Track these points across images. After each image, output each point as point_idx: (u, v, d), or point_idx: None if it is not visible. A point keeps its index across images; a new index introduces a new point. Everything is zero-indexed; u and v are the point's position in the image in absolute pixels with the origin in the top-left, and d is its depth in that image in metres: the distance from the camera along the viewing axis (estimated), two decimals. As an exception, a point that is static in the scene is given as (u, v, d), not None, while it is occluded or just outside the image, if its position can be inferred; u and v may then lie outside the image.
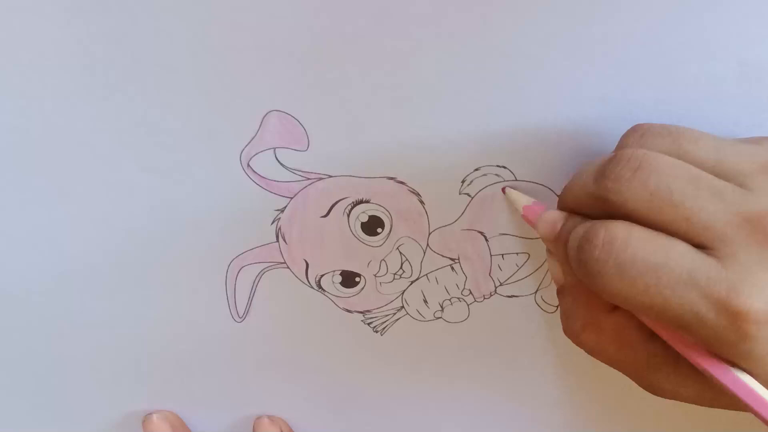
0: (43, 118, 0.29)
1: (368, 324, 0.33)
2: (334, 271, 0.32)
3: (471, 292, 0.32)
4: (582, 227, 0.25)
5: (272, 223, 0.31)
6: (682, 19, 0.27)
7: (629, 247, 0.23)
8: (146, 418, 0.34)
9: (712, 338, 0.23)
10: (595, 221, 0.25)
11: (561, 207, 0.27)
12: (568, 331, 0.28)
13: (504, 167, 0.30)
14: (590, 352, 0.27)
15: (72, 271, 0.32)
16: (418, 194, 0.30)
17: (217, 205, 0.31)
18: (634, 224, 0.24)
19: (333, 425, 0.35)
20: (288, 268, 0.32)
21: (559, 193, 0.30)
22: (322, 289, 0.32)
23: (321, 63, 0.28)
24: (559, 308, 0.28)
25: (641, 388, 0.27)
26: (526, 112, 0.29)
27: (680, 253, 0.23)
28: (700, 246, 0.23)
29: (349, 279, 0.32)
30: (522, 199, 0.29)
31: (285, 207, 0.31)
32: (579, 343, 0.27)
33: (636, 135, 0.26)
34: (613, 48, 0.28)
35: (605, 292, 0.24)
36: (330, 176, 0.30)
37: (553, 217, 0.27)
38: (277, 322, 0.33)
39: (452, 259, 0.32)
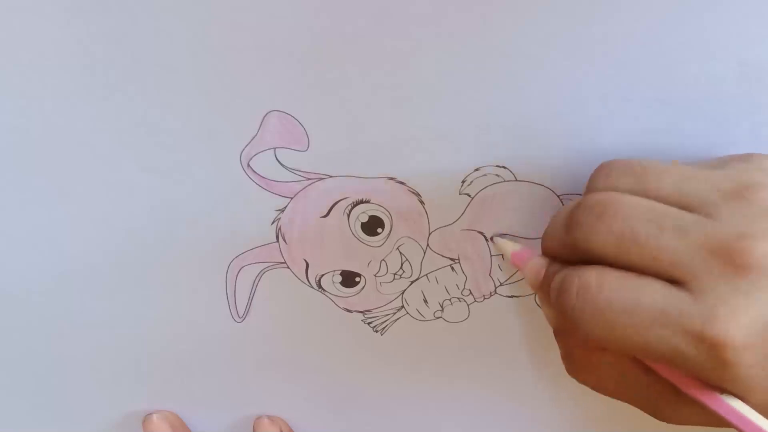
0: (43, 118, 0.29)
1: (368, 324, 0.33)
2: (334, 271, 0.32)
3: (471, 292, 0.32)
4: (560, 275, 0.25)
5: (272, 223, 0.31)
6: (682, 19, 0.27)
7: (602, 291, 0.24)
8: (146, 418, 0.34)
9: (698, 369, 0.23)
10: (570, 269, 0.25)
11: (545, 245, 0.28)
12: (569, 371, 0.28)
13: (504, 167, 0.30)
14: (594, 389, 0.28)
15: (72, 271, 0.32)
16: (418, 194, 0.30)
17: (217, 205, 0.31)
18: (606, 268, 0.24)
19: (333, 425, 0.35)
20: (288, 268, 0.32)
21: (559, 193, 0.30)
22: (322, 289, 0.32)
23: (321, 63, 0.28)
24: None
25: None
26: (526, 112, 0.29)
27: (652, 291, 0.23)
28: (672, 281, 0.23)
29: (349, 279, 0.32)
30: (509, 247, 0.30)
31: (285, 207, 0.31)
32: (581, 381, 0.28)
33: (602, 175, 0.26)
34: (613, 48, 0.28)
35: (588, 337, 0.24)
36: (330, 176, 0.30)
37: (538, 264, 0.28)
38: (277, 322, 0.33)
39: (452, 259, 0.32)
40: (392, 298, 0.32)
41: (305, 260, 0.32)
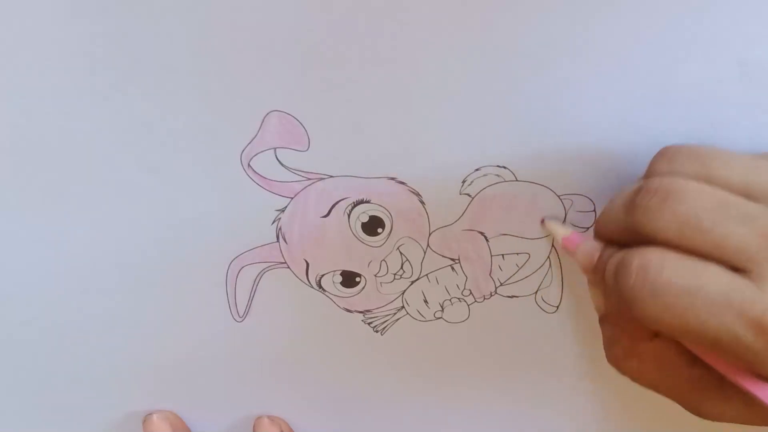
0: (44, 118, 0.29)
1: (368, 324, 0.33)
2: (334, 271, 0.32)
3: (471, 293, 0.32)
4: (617, 256, 0.25)
5: (273, 223, 0.31)
6: (682, 19, 0.27)
7: (663, 271, 0.23)
8: (146, 418, 0.34)
9: (751, 358, 0.23)
10: (629, 250, 0.25)
11: (598, 230, 0.28)
12: (611, 359, 0.28)
13: (504, 167, 0.30)
14: (633, 379, 0.27)
15: (72, 270, 0.32)
16: (418, 194, 0.30)
17: (217, 205, 0.31)
18: (667, 250, 0.24)
19: (333, 425, 0.35)
20: (288, 268, 0.32)
21: (559, 193, 0.30)
22: (323, 289, 0.32)
23: (321, 63, 0.28)
24: (601, 336, 0.29)
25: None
26: (527, 113, 0.29)
27: (714, 275, 0.23)
28: (734, 269, 0.23)
29: (349, 279, 0.32)
30: (561, 230, 0.30)
31: (285, 207, 0.31)
32: (622, 370, 0.27)
33: (664, 160, 0.26)
34: (613, 48, 0.28)
35: (643, 317, 0.24)
36: (330, 176, 0.30)
37: (591, 247, 0.27)
38: (277, 322, 0.33)
39: (452, 260, 0.32)
40: (392, 299, 0.32)
41: (305, 260, 0.32)
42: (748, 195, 0.24)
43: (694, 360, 0.26)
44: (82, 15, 0.28)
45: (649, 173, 0.26)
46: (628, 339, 0.27)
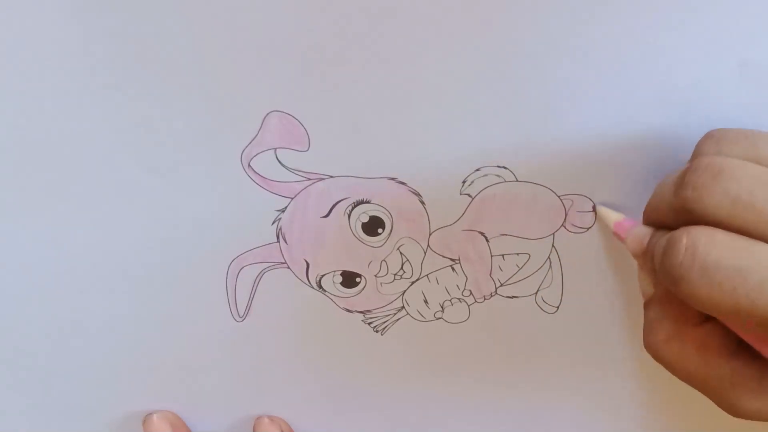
0: (44, 117, 0.29)
1: (369, 324, 0.33)
2: (334, 271, 0.32)
3: (471, 293, 0.32)
4: (664, 238, 0.25)
5: (273, 223, 0.31)
6: (682, 19, 0.27)
7: (713, 250, 0.23)
8: (146, 418, 0.34)
9: None
10: (678, 230, 0.24)
11: (647, 215, 0.28)
12: (650, 343, 0.27)
13: (504, 167, 0.30)
14: (670, 365, 0.27)
15: (72, 270, 0.32)
16: (418, 195, 0.30)
17: (217, 205, 0.31)
18: (716, 229, 0.24)
19: (333, 425, 0.35)
20: (288, 268, 0.32)
21: (559, 193, 0.30)
22: (323, 289, 0.32)
23: (321, 63, 0.28)
24: (644, 320, 0.28)
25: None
26: (527, 113, 0.29)
27: (765, 254, 0.23)
28: None
29: (349, 279, 0.32)
30: (612, 216, 0.29)
31: (286, 207, 0.31)
32: (659, 355, 0.27)
33: (711, 142, 0.26)
34: (613, 48, 0.28)
35: (691, 296, 0.24)
36: (331, 176, 0.30)
37: (641, 232, 0.27)
38: (277, 322, 0.33)
39: (453, 260, 0.32)
40: (393, 299, 0.32)
41: (306, 260, 0.32)
42: None
43: (737, 351, 0.25)
44: (82, 15, 0.28)
45: (696, 154, 0.26)
46: (673, 323, 0.26)
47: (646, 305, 0.28)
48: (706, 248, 0.23)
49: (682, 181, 0.25)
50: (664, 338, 0.27)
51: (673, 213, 0.25)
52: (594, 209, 0.30)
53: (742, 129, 0.26)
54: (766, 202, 0.23)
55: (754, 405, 0.25)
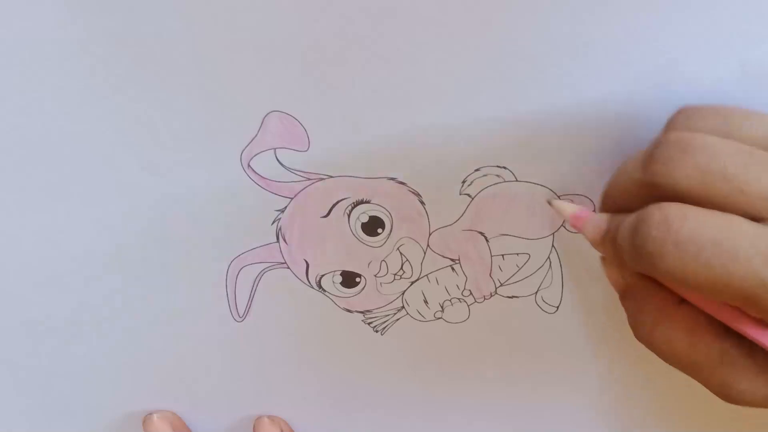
0: (43, 117, 0.29)
1: (368, 324, 0.33)
2: (334, 271, 0.32)
3: (471, 293, 0.32)
4: (632, 216, 0.24)
5: (272, 224, 0.31)
6: (682, 19, 0.27)
7: (686, 223, 0.23)
8: (146, 418, 0.34)
9: None
10: (646, 207, 0.24)
11: (605, 202, 0.27)
12: (639, 334, 0.27)
13: (504, 167, 0.30)
14: (663, 352, 0.26)
15: (71, 270, 0.32)
16: (418, 195, 0.30)
17: (217, 205, 0.31)
18: (685, 204, 0.23)
19: (333, 425, 0.35)
20: (288, 268, 0.32)
21: (559, 193, 0.30)
22: (323, 289, 0.32)
23: (321, 63, 0.28)
24: (626, 313, 0.28)
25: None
26: (527, 113, 0.29)
27: (739, 224, 0.23)
28: (758, 219, 0.23)
29: (349, 279, 0.32)
30: (568, 208, 0.29)
31: (285, 207, 0.31)
32: (652, 343, 0.26)
33: (682, 117, 0.26)
34: (613, 48, 0.28)
35: (666, 272, 0.23)
36: (330, 176, 0.30)
37: (600, 219, 0.27)
38: (277, 322, 0.33)
39: (453, 260, 0.32)
40: (392, 299, 0.32)
41: (305, 260, 0.32)
42: None
43: (726, 332, 0.25)
44: (81, 15, 0.28)
45: (667, 130, 0.26)
46: (654, 307, 0.26)
47: (623, 299, 0.28)
48: (679, 222, 0.23)
49: (651, 156, 0.24)
50: (650, 325, 0.26)
51: (641, 189, 0.25)
52: (549, 203, 0.30)
53: (714, 105, 0.26)
54: (737, 174, 0.23)
55: (747, 388, 0.25)
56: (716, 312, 0.25)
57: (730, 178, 0.23)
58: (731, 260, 0.22)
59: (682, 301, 0.25)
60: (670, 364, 0.26)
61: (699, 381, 0.26)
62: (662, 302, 0.26)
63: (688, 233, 0.23)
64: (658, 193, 0.24)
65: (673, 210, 0.23)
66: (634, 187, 0.25)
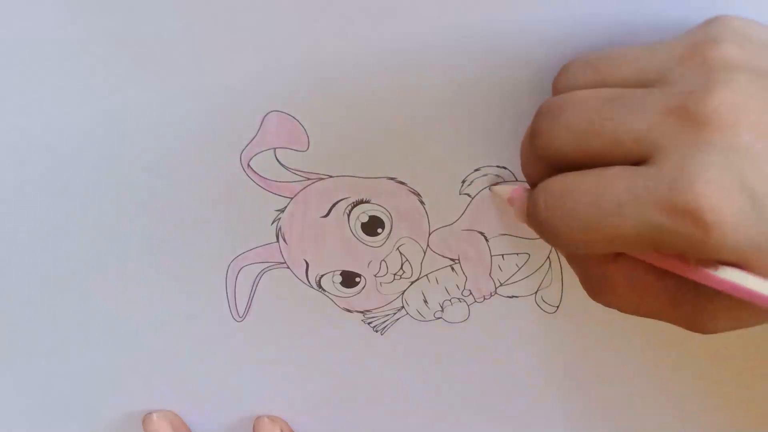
0: (44, 117, 0.29)
1: (368, 324, 0.33)
2: (334, 271, 0.32)
3: (471, 293, 0.32)
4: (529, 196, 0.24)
5: (272, 223, 0.31)
6: (682, 19, 0.27)
7: (566, 194, 0.23)
8: (146, 418, 0.34)
9: (685, 244, 0.21)
10: (534, 190, 0.24)
11: (526, 178, 0.27)
12: (591, 295, 0.26)
13: (504, 167, 0.30)
14: (618, 308, 0.26)
15: (72, 271, 0.32)
16: (418, 194, 0.30)
17: (217, 205, 0.31)
18: (567, 173, 0.23)
19: (333, 425, 0.35)
20: (288, 268, 0.32)
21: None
22: (323, 289, 0.32)
23: (321, 63, 0.28)
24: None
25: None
26: (527, 112, 0.29)
27: (615, 176, 0.22)
28: (641, 161, 0.22)
29: (349, 279, 0.32)
30: (505, 190, 0.29)
31: (285, 207, 0.31)
32: (604, 302, 0.26)
33: (562, 78, 0.25)
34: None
35: (569, 246, 0.23)
36: (330, 176, 0.30)
37: (521, 198, 0.27)
38: (277, 322, 0.33)
39: (452, 260, 0.32)
40: (392, 299, 0.32)
41: (305, 260, 0.32)
42: (643, 84, 0.23)
43: (666, 273, 0.24)
44: (81, 15, 0.28)
45: (553, 92, 0.26)
46: (595, 270, 0.25)
47: (570, 262, 0.27)
48: (560, 196, 0.23)
49: (531, 131, 0.24)
50: (597, 286, 0.26)
51: (538, 165, 0.25)
52: (490, 189, 0.30)
53: (587, 55, 0.25)
54: (604, 121, 0.23)
55: (708, 316, 0.24)
56: (645, 258, 0.24)
57: (601, 132, 0.23)
58: (614, 215, 0.22)
59: (615, 256, 0.25)
60: (634, 315, 0.26)
61: (672, 323, 0.25)
62: (596, 263, 0.25)
63: (570, 204, 0.23)
64: (549, 163, 0.24)
65: (551, 186, 0.23)
66: (534, 162, 0.25)
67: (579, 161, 0.23)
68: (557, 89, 0.26)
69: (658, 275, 0.24)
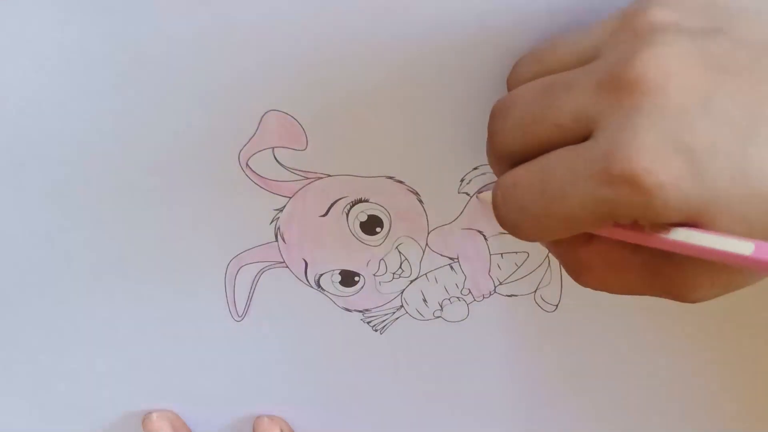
0: (43, 117, 0.29)
1: (367, 323, 0.33)
2: (333, 270, 0.32)
3: (470, 292, 0.32)
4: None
5: (271, 223, 0.31)
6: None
7: (516, 187, 0.23)
8: (146, 418, 0.34)
9: (633, 212, 0.21)
10: (490, 191, 0.25)
11: None
12: (576, 280, 0.26)
13: (503, 166, 0.30)
14: (605, 290, 0.25)
15: (71, 270, 0.32)
16: (417, 193, 0.30)
17: (215, 205, 0.31)
18: (518, 167, 0.23)
19: (333, 425, 0.35)
20: (287, 267, 0.32)
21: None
22: (322, 288, 0.32)
23: (320, 63, 0.28)
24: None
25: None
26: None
27: (555, 160, 0.22)
28: (586, 140, 0.22)
29: (348, 278, 0.32)
30: (489, 198, 0.28)
31: (284, 206, 0.31)
32: (588, 285, 0.25)
33: (511, 76, 0.26)
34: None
35: (530, 237, 0.23)
36: (329, 175, 0.30)
37: (489, 199, 0.27)
38: (276, 322, 0.33)
39: (451, 259, 0.32)
40: (391, 298, 0.32)
41: (304, 260, 0.32)
42: (583, 63, 0.23)
43: (637, 247, 0.23)
44: (80, 15, 0.28)
45: (507, 91, 0.26)
46: (570, 254, 0.25)
47: (551, 252, 0.27)
48: (513, 191, 0.23)
49: (488, 135, 0.25)
50: (578, 270, 0.25)
51: (502, 165, 0.25)
52: (476, 197, 0.30)
53: (533, 48, 0.26)
54: (542, 108, 0.23)
55: (691, 284, 0.23)
56: (609, 234, 0.23)
57: (541, 120, 0.23)
58: (560, 198, 0.22)
59: (587, 238, 0.24)
60: (619, 294, 0.25)
61: (656, 296, 0.24)
62: (571, 248, 0.25)
63: (520, 195, 0.23)
64: (508, 162, 0.24)
65: (503, 181, 0.24)
66: (496, 163, 0.25)
67: (533, 154, 0.23)
68: (509, 87, 0.26)
69: (632, 250, 0.24)
